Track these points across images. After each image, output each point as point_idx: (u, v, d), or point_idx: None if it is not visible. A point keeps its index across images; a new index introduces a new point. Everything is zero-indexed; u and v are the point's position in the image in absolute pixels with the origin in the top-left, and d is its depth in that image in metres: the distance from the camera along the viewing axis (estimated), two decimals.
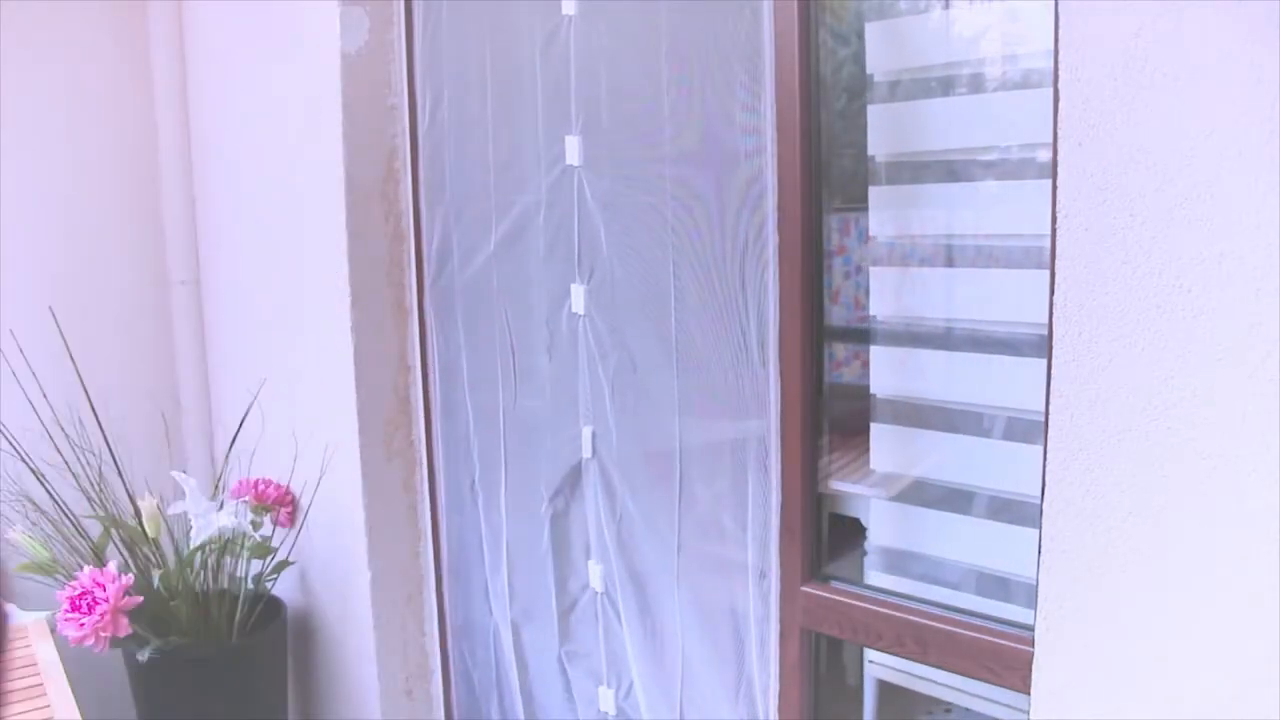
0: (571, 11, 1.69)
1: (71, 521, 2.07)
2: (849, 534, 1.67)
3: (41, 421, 2.11)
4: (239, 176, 2.30)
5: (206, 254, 2.47)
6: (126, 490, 2.13)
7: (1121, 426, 1.06)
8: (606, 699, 1.89)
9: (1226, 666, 1.03)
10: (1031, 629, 1.18)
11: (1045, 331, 1.11)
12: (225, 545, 2.08)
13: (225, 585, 2.14)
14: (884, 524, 1.61)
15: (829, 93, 1.48)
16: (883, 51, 1.49)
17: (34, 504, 2.06)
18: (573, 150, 1.71)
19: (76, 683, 1.64)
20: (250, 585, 2.10)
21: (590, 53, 1.68)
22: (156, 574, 2.02)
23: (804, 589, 1.53)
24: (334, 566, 2.19)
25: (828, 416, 1.55)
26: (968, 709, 1.84)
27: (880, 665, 2.03)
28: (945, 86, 1.46)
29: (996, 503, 1.48)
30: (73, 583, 1.86)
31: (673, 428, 1.66)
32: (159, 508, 2.02)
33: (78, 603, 1.82)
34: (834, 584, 1.54)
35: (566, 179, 1.74)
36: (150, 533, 2.02)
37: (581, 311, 1.75)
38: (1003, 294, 1.44)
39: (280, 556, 2.16)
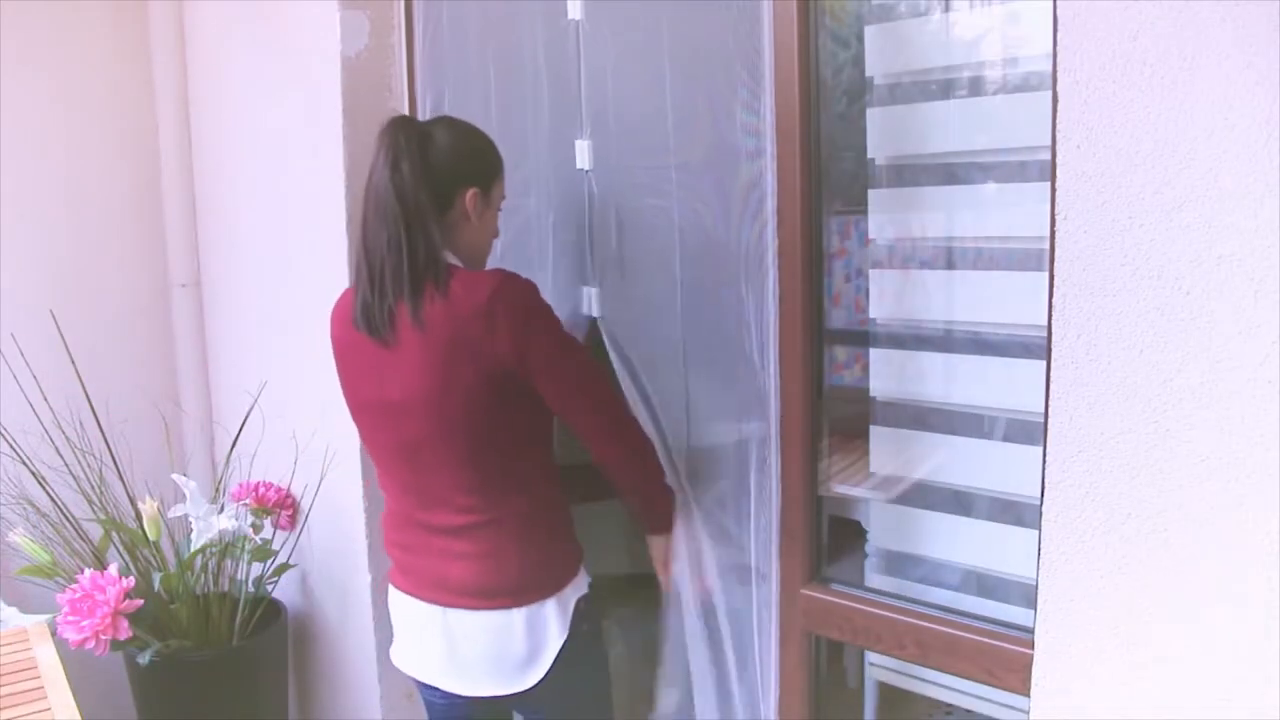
0: (578, 16, 1.68)
1: (72, 524, 2.07)
2: (849, 536, 1.67)
3: (42, 424, 2.11)
4: (240, 179, 2.31)
5: (207, 257, 2.47)
6: (127, 493, 2.13)
7: (1120, 428, 1.06)
8: None
9: (1225, 667, 1.03)
10: (1031, 631, 1.18)
11: (1044, 334, 1.11)
12: (226, 548, 2.08)
13: (226, 588, 2.14)
14: (884, 526, 1.62)
15: (829, 95, 1.48)
16: (882, 54, 1.49)
17: (35, 507, 2.06)
18: (583, 154, 1.71)
19: (77, 686, 1.63)
20: (251, 588, 2.10)
21: (599, 57, 1.67)
22: (157, 577, 2.02)
23: (804, 591, 1.53)
24: (334, 569, 2.19)
25: (828, 419, 1.55)
26: (969, 711, 1.84)
27: (881, 668, 2.04)
28: (945, 89, 1.46)
29: (996, 505, 1.48)
30: (73, 586, 1.86)
31: (681, 429, 1.66)
32: (160, 510, 2.02)
33: (78, 606, 1.82)
34: (834, 586, 1.54)
35: (577, 183, 1.74)
36: (151, 535, 2.02)
37: (595, 314, 1.75)
38: (1002, 296, 1.44)
39: (281, 559, 2.16)
